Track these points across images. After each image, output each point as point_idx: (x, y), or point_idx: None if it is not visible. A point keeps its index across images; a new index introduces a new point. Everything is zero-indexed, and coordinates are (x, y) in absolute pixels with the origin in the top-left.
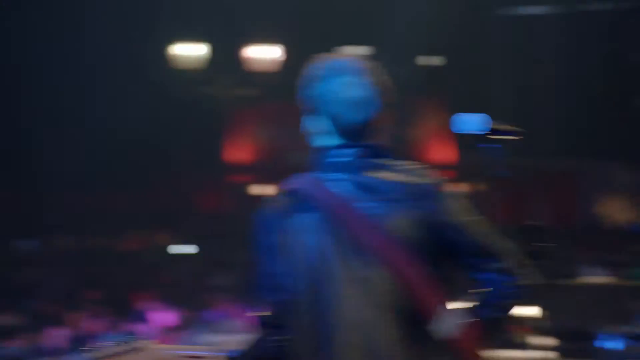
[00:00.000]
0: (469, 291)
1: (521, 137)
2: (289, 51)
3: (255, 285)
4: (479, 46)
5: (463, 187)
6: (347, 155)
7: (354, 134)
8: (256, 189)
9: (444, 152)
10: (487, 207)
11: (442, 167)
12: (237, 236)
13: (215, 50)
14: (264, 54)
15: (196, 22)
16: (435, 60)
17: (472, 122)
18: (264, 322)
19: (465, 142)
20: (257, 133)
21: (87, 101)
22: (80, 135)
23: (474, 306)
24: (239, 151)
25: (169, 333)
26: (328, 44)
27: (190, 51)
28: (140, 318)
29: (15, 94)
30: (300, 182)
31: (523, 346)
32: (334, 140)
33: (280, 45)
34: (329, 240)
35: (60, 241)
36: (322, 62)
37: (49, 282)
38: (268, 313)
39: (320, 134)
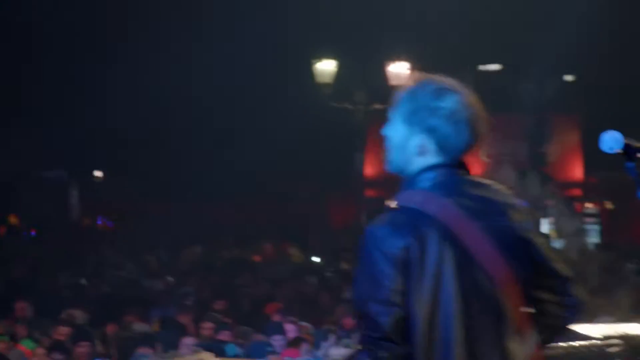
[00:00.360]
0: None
1: None
2: (422, 67)
3: (370, 300)
4: (618, 65)
5: (591, 205)
6: (452, 174)
7: (458, 153)
8: (390, 202)
9: (577, 169)
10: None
11: (574, 184)
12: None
13: (352, 66)
14: (398, 69)
15: (334, 39)
16: (572, 78)
17: (618, 141)
18: (376, 337)
19: (606, 160)
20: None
21: (236, 118)
22: (228, 148)
23: (540, 327)
24: (375, 166)
25: (299, 345)
26: (460, 61)
27: (327, 67)
28: (274, 330)
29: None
30: (415, 198)
31: None
32: (438, 159)
33: (413, 61)
34: (448, 257)
35: (194, 251)
36: (430, 81)
37: (181, 290)
38: (382, 327)
39: (424, 151)
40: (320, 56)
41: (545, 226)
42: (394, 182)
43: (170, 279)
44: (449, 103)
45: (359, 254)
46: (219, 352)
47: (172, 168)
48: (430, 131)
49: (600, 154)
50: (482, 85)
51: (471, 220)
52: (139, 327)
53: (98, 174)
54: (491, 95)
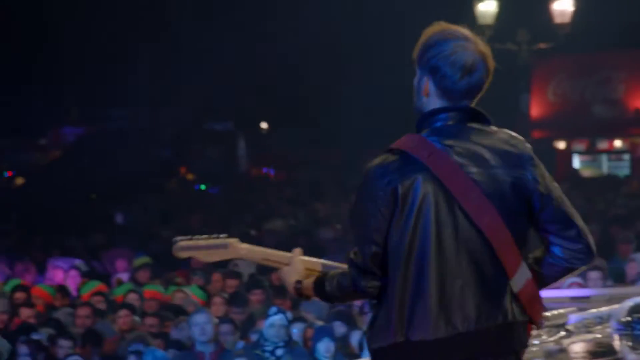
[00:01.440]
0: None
1: None
2: (581, 3)
3: (357, 234)
4: None
5: None
6: (451, 118)
7: (460, 96)
8: (559, 143)
9: None
10: None
11: None
12: None
13: (514, 5)
14: (562, 6)
15: None
16: None
17: None
18: (358, 266)
19: None
20: (556, 86)
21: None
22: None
23: (544, 265)
24: (541, 106)
25: None
26: None
27: (489, 7)
28: None
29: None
30: (410, 143)
31: None
32: (441, 103)
33: None
34: (438, 201)
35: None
36: (439, 29)
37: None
38: (363, 260)
39: (430, 96)
40: None
41: None
42: (561, 122)
43: (339, 227)
44: (450, 46)
45: (356, 190)
46: None
47: (338, 116)
48: (432, 72)
49: None
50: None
51: (462, 167)
52: None
53: (264, 125)
54: None
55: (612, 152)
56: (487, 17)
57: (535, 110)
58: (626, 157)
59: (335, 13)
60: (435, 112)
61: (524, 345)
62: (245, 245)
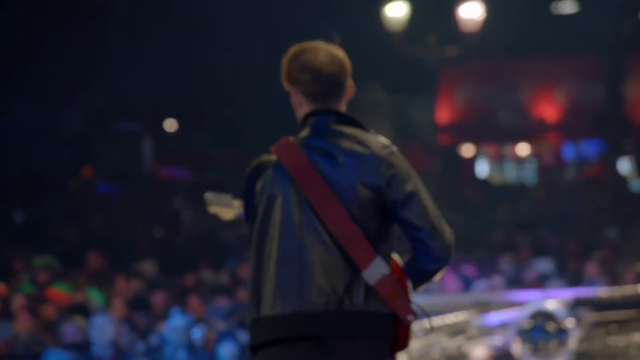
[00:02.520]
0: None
1: None
2: (491, 9)
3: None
4: None
5: None
6: (316, 120)
7: (322, 99)
8: (465, 149)
9: None
10: None
11: None
12: (444, 196)
13: (421, 10)
14: (467, 13)
15: None
16: None
17: None
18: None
19: None
20: (464, 92)
21: None
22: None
23: (404, 264)
24: (448, 112)
25: None
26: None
27: (397, 12)
28: None
29: None
30: (277, 144)
31: None
32: (309, 107)
33: (482, 3)
34: (286, 194)
35: None
36: (295, 47)
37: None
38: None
39: (302, 106)
40: (391, 0)
41: (624, 168)
42: (467, 127)
43: (244, 229)
44: (303, 56)
45: None
46: None
47: (241, 117)
48: (293, 82)
49: None
50: (558, 26)
51: (313, 163)
52: (213, 277)
53: (171, 125)
54: (567, 37)
55: (518, 158)
56: (396, 23)
57: (442, 115)
58: (531, 163)
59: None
60: (305, 117)
61: (381, 335)
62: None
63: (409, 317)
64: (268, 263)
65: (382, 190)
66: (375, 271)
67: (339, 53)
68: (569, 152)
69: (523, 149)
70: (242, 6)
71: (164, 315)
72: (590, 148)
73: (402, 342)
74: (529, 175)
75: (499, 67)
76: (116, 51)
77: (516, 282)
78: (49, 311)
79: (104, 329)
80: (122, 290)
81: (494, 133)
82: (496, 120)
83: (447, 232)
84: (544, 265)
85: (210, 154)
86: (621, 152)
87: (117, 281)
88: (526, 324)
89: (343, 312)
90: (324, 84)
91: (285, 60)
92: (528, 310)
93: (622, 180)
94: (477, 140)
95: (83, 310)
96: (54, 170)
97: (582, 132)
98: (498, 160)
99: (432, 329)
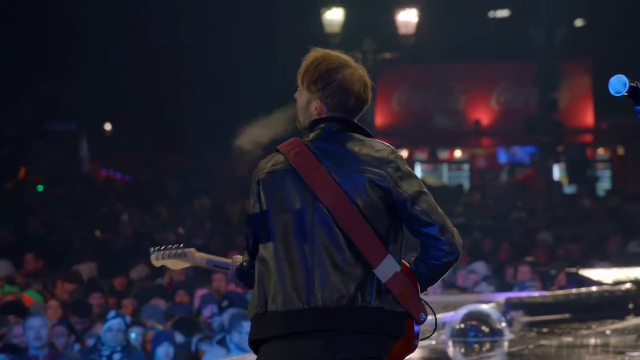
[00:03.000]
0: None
1: None
2: (426, 15)
3: (246, 222)
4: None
5: (602, 151)
6: (331, 127)
7: (345, 114)
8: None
9: (588, 115)
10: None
11: (586, 130)
12: None
13: (358, 15)
14: (407, 17)
15: None
16: (582, 22)
17: (624, 84)
18: (247, 250)
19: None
20: (399, 96)
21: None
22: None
23: (417, 262)
24: (385, 115)
25: None
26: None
27: (336, 16)
28: None
29: None
30: (286, 144)
31: None
32: (327, 113)
33: (418, 8)
34: (298, 194)
35: (204, 202)
36: (324, 56)
37: (192, 242)
38: (249, 244)
39: (319, 111)
40: (329, 4)
41: (557, 172)
42: (403, 131)
43: (181, 230)
44: (340, 75)
45: None
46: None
47: (187, 120)
48: (325, 97)
49: (612, 99)
50: (492, 31)
51: (323, 164)
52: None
53: (107, 126)
54: (501, 42)
55: (452, 162)
56: (334, 26)
57: (379, 119)
58: (465, 167)
59: (186, 14)
60: (319, 121)
61: (393, 333)
62: (199, 254)
63: (422, 316)
64: (279, 260)
65: (392, 190)
66: (386, 269)
67: (366, 75)
68: (502, 156)
69: (457, 152)
70: (183, 6)
71: (101, 317)
72: (523, 152)
73: (412, 342)
74: (463, 179)
75: (434, 72)
76: (51, 52)
77: (451, 284)
78: None
79: (39, 330)
80: (59, 291)
81: (429, 137)
82: (431, 124)
83: (455, 229)
84: (478, 267)
85: (147, 155)
86: (554, 157)
87: (56, 282)
88: (460, 326)
89: (355, 308)
90: (355, 104)
91: (311, 67)
92: (462, 312)
93: (555, 184)
94: (413, 144)
95: (19, 310)
96: None
97: (515, 137)
98: (433, 163)
99: None
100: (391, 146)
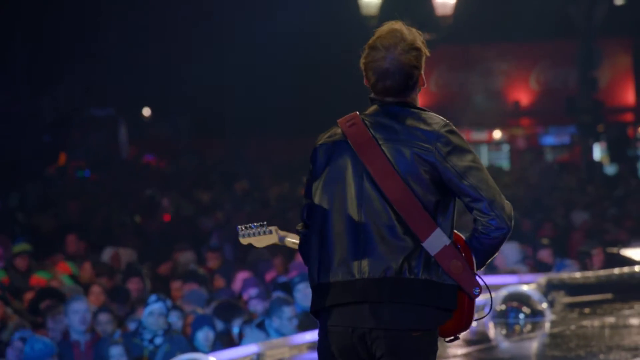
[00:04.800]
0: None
1: None
2: None
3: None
4: None
5: None
6: (379, 105)
7: (384, 92)
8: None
9: (629, 94)
10: None
11: (626, 109)
12: None
13: None
14: None
15: None
16: (623, 0)
17: None
18: (303, 219)
19: None
20: (438, 78)
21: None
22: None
23: (472, 237)
24: (421, 96)
25: None
26: None
27: None
28: None
29: None
30: (344, 119)
31: None
32: (376, 94)
33: None
34: (349, 167)
35: (244, 186)
36: (375, 34)
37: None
38: (303, 214)
39: (371, 88)
40: None
41: (597, 152)
42: (442, 112)
43: (221, 215)
44: (373, 55)
45: None
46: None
47: (220, 105)
48: (368, 79)
49: None
50: (531, 11)
51: (375, 138)
52: (190, 264)
53: (146, 111)
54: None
55: (492, 143)
56: (371, 8)
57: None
58: (505, 148)
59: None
60: (372, 99)
61: (441, 305)
62: (282, 232)
63: (475, 290)
64: (330, 232)
65: (439, 165)
66: (435, 242)
67: (405, 58)
68: (542, 136)
69: (497, 133)
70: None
71: (141, 302)
72: (563, 132)
73: (466, 317)
74: (503, 160)
75: (473, 53)
76: (90, 38)
77: (490, 266)
78: (28, 297)
79: (83, 315)
80: (99, 276)
81: (468, 118)
82: (470, 105)
83: (507, 203)
84: (518, 249)
85: (185, 140)
86: (595, 136)
87: (95, 267)
88: (501, 308)
89: (401, 279)
90: (385, 86)
91: (364, 52)
92: (502, 294)
93: (595, 164)
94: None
95: (58, 295)
96: (30, 156)
97: (555, 117)
98: (472, 144)
99: None
100: (445, 120)
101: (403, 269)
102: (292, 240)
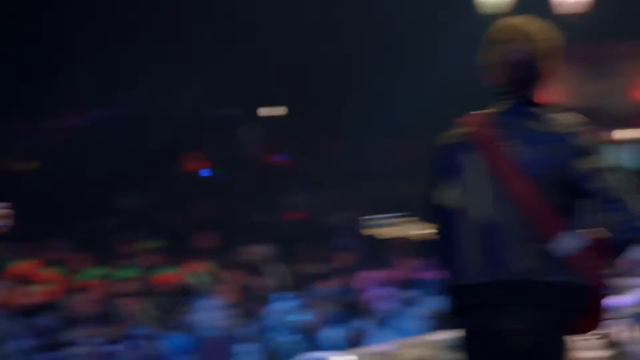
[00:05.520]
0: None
1: None
2: None
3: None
4: None
5: None
6: (505, 104)
7: (511, 87)
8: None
9: None
10: None
11: None
12: None
13: None
14: None
15: None
16: None
17: None
18: (430, 220)
19: None
20: (567, 77)
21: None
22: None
23: (597, 239)
24: (549, 95)
25: None
26: None
27: None
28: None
29: None
30: (468, 118)
31: None
32: (501, 90)
33: None
34: (476, 167)
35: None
36: (495, 28)
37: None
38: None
39: (495, 86)
40: None
41: None
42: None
43: (349, 213)
44: (502, 50)
45: None
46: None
47: (346, 104)
48: (490, 74)
49: None
50: None
51: (503, 139)
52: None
53: (277, 111)
54: None
55: (623, 143)
56: (497, 7)
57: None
58: (634, 148)
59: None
60: (496, 97)
61: (571, 307)
62: (410, 225)
63: (606, 290)
64: (460, 233)
65: (569, 166)
66: (564, 243)
67: (532, 47)
68: None
69: (624, 133)
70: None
71: (272, 300)
72: None
73: (595, 317)
74: (631, 159)
75: (604, 52)
76: (219, 38)
77: (624, 267)
78: (161, 293)
79: (213, 312)
80: (232, 274)
81: (600, 118)
82: (602, 105)
83: (638, 203)
84: None
85: (314, 140)
86: None
87: (229, 265)
88: (637, 310)
89: (533, 282)
90: (512, 79)
91: (486, 39)
92: (637, 295)
93: None
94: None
95: (194, 292)
96: (157, 156)
97: None
98: (602, 145)
99: None
100: (575, 118)
101: (534, 271)
102: (421, 234)
